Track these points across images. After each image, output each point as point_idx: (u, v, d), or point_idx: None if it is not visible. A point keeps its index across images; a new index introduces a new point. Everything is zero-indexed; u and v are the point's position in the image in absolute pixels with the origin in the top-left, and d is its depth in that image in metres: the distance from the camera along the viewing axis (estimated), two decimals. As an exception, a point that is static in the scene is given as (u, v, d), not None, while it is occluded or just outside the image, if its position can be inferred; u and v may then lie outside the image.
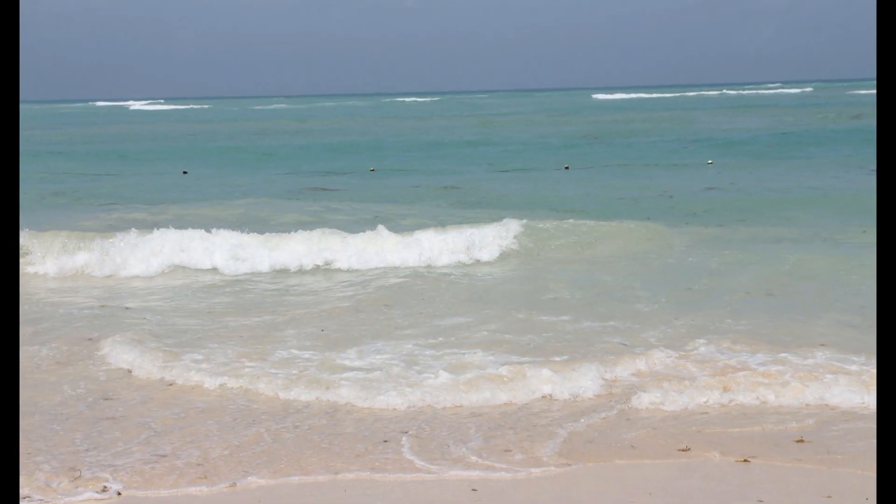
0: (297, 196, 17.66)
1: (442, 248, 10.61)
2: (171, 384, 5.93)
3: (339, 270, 10.35)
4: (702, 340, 6.45)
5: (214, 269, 10.45)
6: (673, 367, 5.94)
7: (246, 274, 10.24)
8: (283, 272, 10.34)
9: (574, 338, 6.85)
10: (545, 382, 5.56)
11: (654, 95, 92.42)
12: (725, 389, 5.42)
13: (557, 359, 6.11)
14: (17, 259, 10.57)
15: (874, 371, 5.50)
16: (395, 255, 10.52)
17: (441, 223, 11.79)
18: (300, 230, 11.17)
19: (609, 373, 5.82)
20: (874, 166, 18.77)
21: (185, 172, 23.24)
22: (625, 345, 6.56)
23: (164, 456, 4.58)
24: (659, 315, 7.52)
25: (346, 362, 6.16)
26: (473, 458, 4.48)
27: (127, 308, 8.55)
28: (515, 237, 10.97)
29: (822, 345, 6.28)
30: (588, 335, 6.92)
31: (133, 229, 11.01)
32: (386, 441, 4.76)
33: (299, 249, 10.68)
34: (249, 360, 6.27)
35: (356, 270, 10.27)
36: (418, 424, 5.02)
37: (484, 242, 10.79)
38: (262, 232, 11.27)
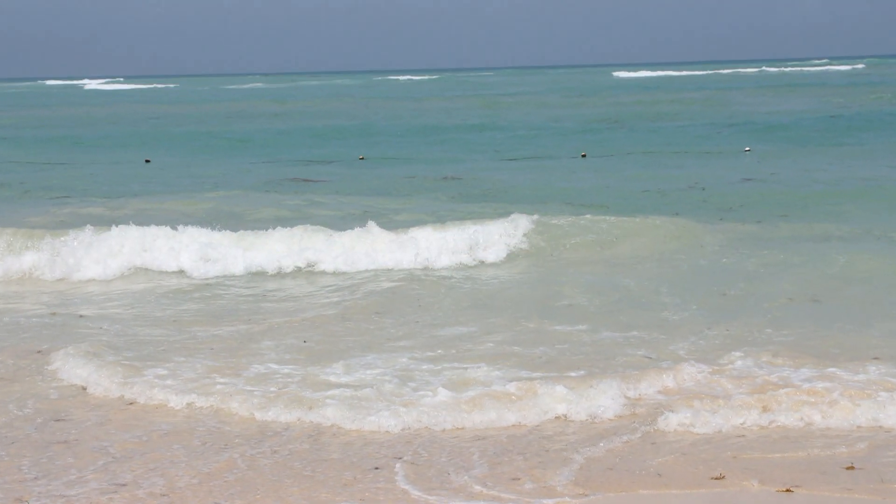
0: (275, 188, 17.67)
1: (441, 247, 10.62)
2: (131, 403, 5.92)
3: (323, 273, 10.36)
4: (738, 353, 6.45)
5: (181, 272, 10.46)
6: (705, 384, 5.94)
7: (217, 277, 10.25)
8: (260, 275, 10.35)
9: (592, 350, 6.85)
10: (559, 401, 5.56)
11: (684, 73, 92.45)
12: (765, 409, 5.41)
13: (573, 374, 6.11)
14: (-45, 260, 10.57)
15: (935, 388, 5.50)
16: (387, 255, 10.54)
17: (440, 219, 11.79)
18: (279, 227, 11.17)
19: (632, 390, 5.82)
20: (935, 154, 18.78)
21: (147, 161, 23.25)
22: (650, 358, 6.56)
23: (124, 485, 4.57)
24: (689, 324, 7.52)
25: (332, 378, 6.16)
26: (477, 488, 4.48)
27: (81, 316, 8.54)
28: (525, 235, 10.98)
29: (875, 358, 6.28)
30: (608, 347, 6.91)
31: (88, 226, 11.02)
32: (377, 468, 4.76)
33: (278, 249, 10.70)
34: (221, 376, 6.26)
35: (343, 273, 10.28)
36: (414, 449, 5.02)
37: (489, 241, 10.80)
38: (235, 229, 11.29)
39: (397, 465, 4.77)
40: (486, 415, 5.44)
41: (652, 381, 5.96)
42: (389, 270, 10.24)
